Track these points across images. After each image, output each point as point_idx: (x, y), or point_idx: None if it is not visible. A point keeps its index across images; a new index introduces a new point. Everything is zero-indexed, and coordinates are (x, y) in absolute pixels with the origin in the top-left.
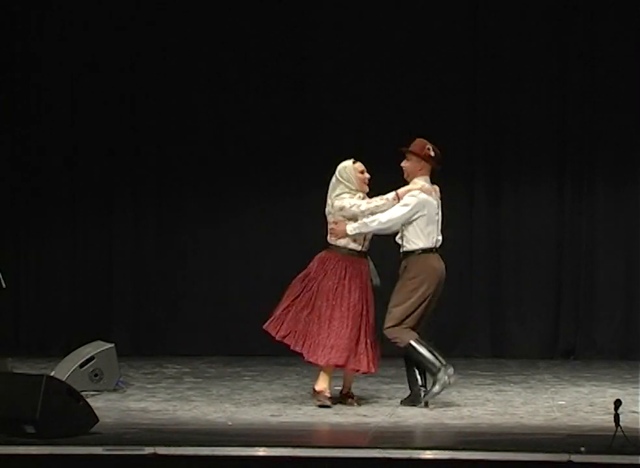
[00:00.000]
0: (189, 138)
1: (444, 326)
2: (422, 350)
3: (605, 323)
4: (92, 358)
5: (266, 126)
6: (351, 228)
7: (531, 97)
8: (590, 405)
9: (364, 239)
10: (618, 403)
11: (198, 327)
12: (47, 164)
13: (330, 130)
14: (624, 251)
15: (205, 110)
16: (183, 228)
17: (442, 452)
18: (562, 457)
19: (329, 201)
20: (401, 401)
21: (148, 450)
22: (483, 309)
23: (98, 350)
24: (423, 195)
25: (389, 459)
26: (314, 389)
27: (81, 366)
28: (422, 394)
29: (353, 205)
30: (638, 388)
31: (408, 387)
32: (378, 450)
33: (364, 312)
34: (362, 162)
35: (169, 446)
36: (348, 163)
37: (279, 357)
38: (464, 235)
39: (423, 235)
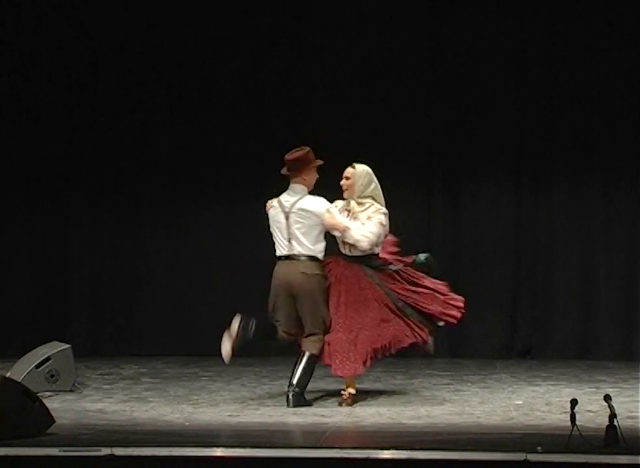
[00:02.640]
0: (148, 139)
1: None
2: None
3: (562, 323)
4: (48, 359)
5: (224, 128)
6: None
7: (489, 97)
8: (547, 405)
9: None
10: (574, 402)
11: (155, 327)
12: (1, 164)
13: (287, 134)
14: (581, 250)
15: (164, 111)
16: (140, 229)
17: (400, 451)
18: (519, 456)
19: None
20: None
21: (105, 451)
22: None
23: (55, 351)
24: None
25: (347, 459)
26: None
27: (37, 367)
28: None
29: None
30: (594, 388)
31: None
32: (336, 450)
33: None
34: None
35: (126, 447)
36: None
37: (237, 357)
38: (421, 235)
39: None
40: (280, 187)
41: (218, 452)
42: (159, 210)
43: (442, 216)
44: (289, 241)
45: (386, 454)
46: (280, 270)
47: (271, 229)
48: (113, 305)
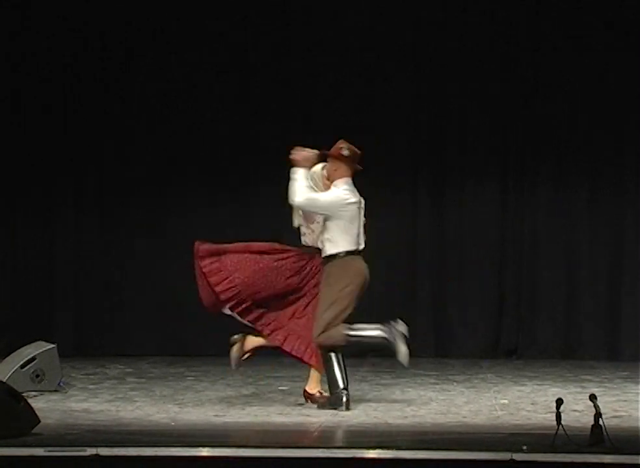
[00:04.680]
0: (131, 138)
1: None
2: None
3: (547, 322)
4: (33, 359)
5: (208, 129)
6: None
7: (474, 97)
8: (532, 404)
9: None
10: (559, 402)
11: (140, 327)
12: None
13: (271, 136)
14: (565, 251)
15: (147, 111)
16: (125, 228)
17: (385, 451)
18: (505, 455)
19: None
20: (318, 405)
21: (90, 451)
22: (427, 308)
23: (40, 351)
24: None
25: (333, 458)
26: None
27: (22, 366)
28: (344, 397)
29: None
30: (579, 387)
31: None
32: (322, 449)
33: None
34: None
35: (111, 447)
36: (317, 168)
37: (222, 357)
38: (407, 236)
39: (346, 238)
40: (262, 189)
41: (204, 451)
42: (142, 211)
43: (427, 217)
44: (359, 235)
45: (372, 454)
46: (361, 262)
47: (344, 221)
48: (98, 304)
